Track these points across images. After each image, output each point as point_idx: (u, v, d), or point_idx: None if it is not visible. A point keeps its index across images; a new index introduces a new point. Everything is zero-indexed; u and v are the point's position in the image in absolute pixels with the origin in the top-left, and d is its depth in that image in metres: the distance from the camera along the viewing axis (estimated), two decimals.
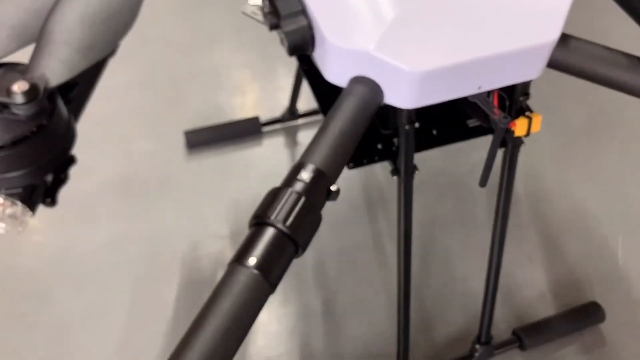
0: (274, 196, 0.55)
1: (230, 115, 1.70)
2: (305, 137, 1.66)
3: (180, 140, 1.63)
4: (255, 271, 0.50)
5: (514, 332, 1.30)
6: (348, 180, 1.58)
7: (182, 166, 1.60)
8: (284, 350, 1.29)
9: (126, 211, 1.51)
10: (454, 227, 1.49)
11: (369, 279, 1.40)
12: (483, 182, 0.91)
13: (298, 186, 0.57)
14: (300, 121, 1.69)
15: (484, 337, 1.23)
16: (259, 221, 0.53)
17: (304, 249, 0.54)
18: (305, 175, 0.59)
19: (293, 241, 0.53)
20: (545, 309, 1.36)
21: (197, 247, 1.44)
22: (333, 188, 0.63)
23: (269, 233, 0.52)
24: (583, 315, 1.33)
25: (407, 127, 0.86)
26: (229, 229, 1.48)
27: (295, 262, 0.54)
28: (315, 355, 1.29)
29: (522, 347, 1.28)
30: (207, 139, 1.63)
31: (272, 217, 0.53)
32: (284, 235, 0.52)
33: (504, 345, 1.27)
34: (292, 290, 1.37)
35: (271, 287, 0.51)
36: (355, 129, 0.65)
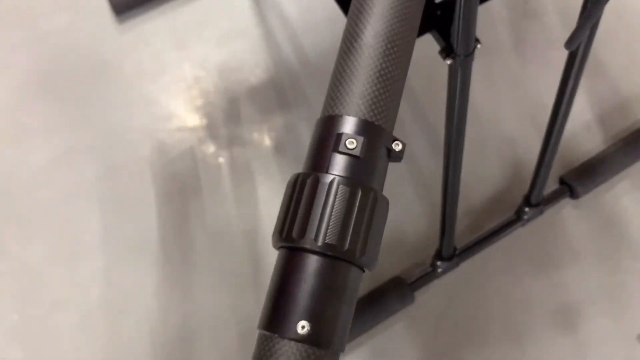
0: (309, 193, 0.37)
1: None
2: None
3: (104, 6, 1.23)
4: (306, 346, 0.34)
5: (562, 181, 1.11)
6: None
7: (115, 40, 1.23)
8: None
9: (61, 118, 1.17)
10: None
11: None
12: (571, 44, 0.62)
13: (341, 165, 0.38)
14: None
15: (535, 198, 1.03)
16: (294, 246, 0.36)
17: (370, 267, 0.38)
18: (350, 141, 0.39)
19: (354, 265, 0.36)
20: (592, 144, 1.15)
21: (164, 148, 1.15)
22: (397, 146, 0.41)
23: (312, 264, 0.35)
24: (634, 145, 1.13)
25: None
26: (200, 114, 1.17)
27: None
28: None
29: (573, 195, 1.10)
30: None
31: (312, 238, 0.36)
32: (337, 260, 0.35)
33: (553, 198, 1.09)
34: None
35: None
36: (407, 33, 0.42)
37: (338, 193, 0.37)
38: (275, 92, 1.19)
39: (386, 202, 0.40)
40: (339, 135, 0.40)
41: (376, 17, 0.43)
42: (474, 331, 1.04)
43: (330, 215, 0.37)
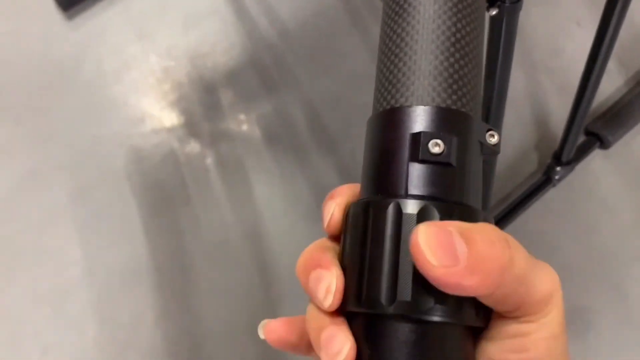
0: (392, 234, 0.25)
1: None
2: None
3: (48, 2, 1.07)
4: None
5: (589, 132, 1.00)
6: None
7: (66, 40, 1.07)
8: None
9: (18, 137, 1.02)
10: None
11: None
12: None
13: (426, 181, 0.26)
14: None
15: (566, 156, 0.93)
16: (383, 313, 0.25)
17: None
18: (435, 142, 0.27)
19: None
20: (612, 86, 1.05)
21: (141, 155, 1.01)
22: (491, 138, 0.29)
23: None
24: None
25: None
26: (176, 111, 1.03)
27: None
28: None
29: (602, 145, 1.00)
30: None
31: (408, 301, 0.24)
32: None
33: (582, 151, 0.98)
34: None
35: None
36: None
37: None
38: (257, 74, 1.05)
39: (492, 221, 0.28)
40: (416, 137, 0.27)
41: None
42: None
43: None
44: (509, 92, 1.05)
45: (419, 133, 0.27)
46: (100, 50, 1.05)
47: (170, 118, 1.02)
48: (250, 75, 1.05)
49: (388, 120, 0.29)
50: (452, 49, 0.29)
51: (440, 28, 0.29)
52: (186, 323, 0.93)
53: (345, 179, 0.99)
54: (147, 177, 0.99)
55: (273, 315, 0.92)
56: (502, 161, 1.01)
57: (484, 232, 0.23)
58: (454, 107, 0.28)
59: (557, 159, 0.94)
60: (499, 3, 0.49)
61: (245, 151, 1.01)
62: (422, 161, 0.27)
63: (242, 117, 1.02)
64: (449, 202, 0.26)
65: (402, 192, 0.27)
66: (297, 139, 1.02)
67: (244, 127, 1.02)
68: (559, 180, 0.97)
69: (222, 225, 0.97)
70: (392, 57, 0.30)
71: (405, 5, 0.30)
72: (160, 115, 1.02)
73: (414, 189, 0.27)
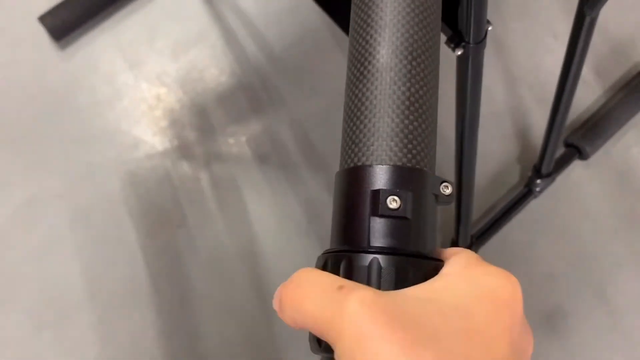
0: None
1: None
2: None
3: (40, 32, 1.10)
4: None
5: (568, 143, 1.04)
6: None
7: (60, 70, 1.10)
8: None
9: (14, 166, 1.05)
10: None
11: None
12: None
13: (384, 233, 0.30)
14: None
15: (546, 168, 0.96)
16: None
17: None
18: (392, 199, 0.30)
19: None
20: (590, 98, 1.08)
21: (136, 180, 1.04)
22: (446, 189, 0.33)
23: None
24: (636, 93, 1.06)
25: None
26: (168, 135, 1.06)
27: None
28: None
29: (582, 156, 1.03)
30: (76, 16, 1.09)
31: None
32: None
33: (562, 163, 1.02)
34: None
35: None
36: (432, 40, 0.34)
37: (382, 278, 0.29)
38: (246, 97, 1.08)
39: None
40: (375, 193, 0.30)
41: (389, 27, 0.34)
42: None
43: None
44: (491, 107, 1.09)
45: (378, 190, 0.30)
46: (93, 79, 1.08)
47: (163, 143, 1.06)
48: (239, 98, 1.08)
49: (352, 177, 0.32)
50: (406, 112, 0.32)
51: (396, 93, 0.32)
52: (185, 342, 0.96)
53: None
54: (142, 201, 1.02)
55: (269, 330, 0.95)
56: (484, 174, 1.04)
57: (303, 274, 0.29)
58: (409, 164, 0.31)
59: (538, 171, 0.98)
60: (463, 44, 0.52)
61: (237, 171, 1.04)
62: (381, 215, 0.30)
63: (232, 138, 1.06)
64: (404, 253, 0.30)
65: (365, 243, 0.30)
66: (287, 158, 1.05)
67: (235, 148, 1.05)
68: (540, 191, 1.00)
69: (218, 244, 1.00)
70: (354, 119, 0.33)
71: (365, 72, 0.34)
72: (153, 140, 1.05)
73: (375, 241, 0.30)
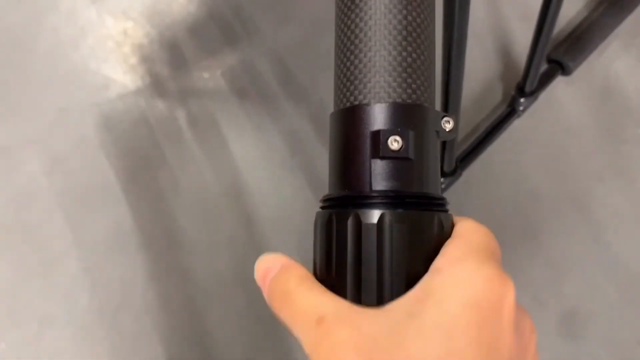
0: (353, 244, 0.28)
1: None
2: None
3: None
4: None
5: (550, 60, 1.02)
6: None
7: (17, 9, 1.03)
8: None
9: None
10: None
11: None
12: None
13: (387, 176, 0.29)
14: None
15: (529, 86, 0.95)
16: None
17: None
18: (394, 139, 0.29)
19: None
20: (572, 11, 1.06)
21: (111, 123, 1.00)
22: (447, 124, 0.31)
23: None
24: (619, 4, 1.03)
25: None
26: (140, 73, 1.01)
27: None
28: None
29: (564, 72, 1.02)
30: None
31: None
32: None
33: (545, 80, 1.00)
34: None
35: None
36: None
37: (394, 237, 0.27)
38: (219, 28, 1.03)
39: (450, 219, 0.30)
40: (375, 134, 0.29)
41: None
42: None
43: (391, 269, 0.27)
44: (472, 27, 1.06)
45: (378, 131, 0.29)
46: (53, 17, 1.02)
47: (134, 81, 1.01)
48: (211, 29, 1.03)
49: (349, 118, 0.30)
50: (404, 43, 0.30)
51: (392, 23, 0.30)
52: (175, 281, 0.96)
53: (316, 126, 1.00)
54: (120, 143, 0.99)
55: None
56: (467, 95, 1.03)
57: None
58: (409, 100, 0.29)
59: (521, 89, 0.96)
60: None
61: (215, 107, 1.01)
62: (382, 157, 0.29)
63: (207, 72, 1.02)
64: (408, 197, 0.28)
65: (367, 188, 0.29)
66: (265, 90, 1.02)
67: (211, 82, 1.02)
68: (524, 110, 1.00)
69: (201, 182, 0.99)
70: (348, 54, 0.31)
71: (357, 1, 0.31)
72: (124, 79, 1.01)
73: (377, 185, 0.29)
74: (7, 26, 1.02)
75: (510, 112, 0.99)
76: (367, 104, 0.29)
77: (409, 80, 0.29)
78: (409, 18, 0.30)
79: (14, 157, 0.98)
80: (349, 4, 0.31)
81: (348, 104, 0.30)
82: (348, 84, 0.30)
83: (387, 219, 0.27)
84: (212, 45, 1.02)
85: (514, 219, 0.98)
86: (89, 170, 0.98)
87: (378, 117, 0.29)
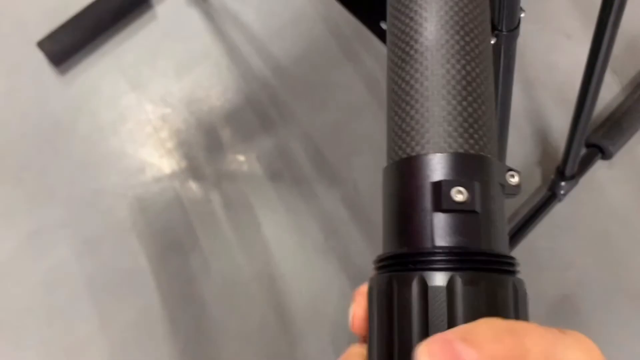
0: (419, 308, 0.24)
1: None
2: None
3: (39, 57, 1.07)
4: None
5: (589, 143, 1.00)
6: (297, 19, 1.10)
7: (61, 96, 1.07)
8: None
9: (18, 198, 1.01)
10: None
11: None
12: None
13: (452, 231, 0.26)
14: None
15: (569, 170, 0.92)
16: None
17: None
18: (458, 190, 0.26)
19: None
20: (609, 95, 1.05)
21: (145, 205, 1.00)
22: (512, 179, 0.29)
23: None
24: None
25: None
26: (176, 157, 1.02)
27: None
28: None
29: (605, 156, 1.00)
30: (76, 40, 1.07)
31: None
32: None
33: (585, 164, 0.98)
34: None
35: None
36: (481, 16, 0.30)
37: (466, 302, 0.24)
38: (255, 114, 1.05)
39: (523, 284, 0.27)
40: (437, 185, 0.27)
41: (434, 3, 0.30)
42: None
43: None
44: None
45: (439, 181, 0.27)
46: (95, 103, 1.05)
47: (170, 164, 1.02)
48: (247, 115, 1.05)
49: (406, 169, 0.28)
50: (464, 92, 0.28)
51: (450, 72, 0.29)
52: None
53: (351, 210, 0.99)
54: (152, 226, 0.98)
55: (291, 355, 0.90)
56: None
57: (487, 329, 0.22)
58: (471, 151, 0.27)
59: (561, 173, 0.94)
60: (496, 32, 0.49)
61: (250, 190, 1.00)
62: (446, 210, 0.26)
63: (242, 156, 1.02)
64: (477, 255, 0.26)
65: (429, 244, 0.26)
66: (299, 174, 1.01)
67: (246, 166, 1.02)
68: (565, 194, 0.97)
69: (232, 267, 0.96)
70: (403, 105, 0.29)
71: (412, 52, 0.30)
72: (160, 162, 1.02)
73: (440, 240, 0.26)
74: (50, 109, 1.05)
75: (551, 197, 0.96)
76: (426, 154, 0.27)
77: (470, 130, 0.28)
78: (468, 68, 0.29)
79: (44, 241, 0.98)
80: (402, 55, 0.30)
81: (404, 155, 0.28)
82: (404, 135, 0.29)
83: (457, 281, 0.24)
84: (248, 130, 1.03)
85: (561, 309, 0.93)
86: (120, 253, 0.96)
87: (439, 167, 0.27)
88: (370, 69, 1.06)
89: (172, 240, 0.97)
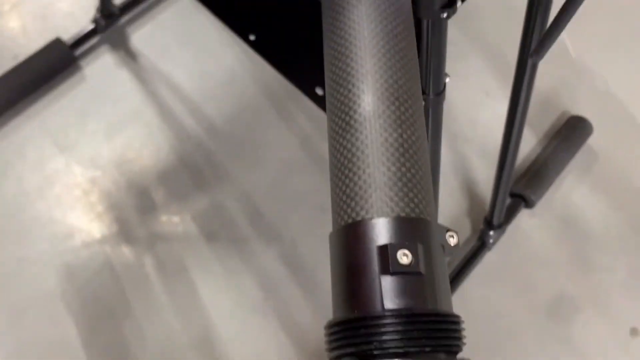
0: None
1: (13, 50, 1.09)
2: (141, 39, 1.13)
3: None
4: None
5: (513, 194, 1.05)
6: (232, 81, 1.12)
7: None
8: None
9: None
10: None
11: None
12: None
13: (400, 293, 0.27)
14: (125, 18, 1.14)
15: (497, 219, 0.97)
16: None
17: None
18: (403, 253, 0.27)
19: None
20: (527, 147, 1.12)
21: (73, 272, 0.95)
22: (451, 239, 0.31)
23: None
24: (572, 136, 1.10)
25: (442, 14, 0.45)
26: (106, 220, 0.99)
27: None
28: None
29: (527, 205, 1.05)
30: (0, 102, 1.03)
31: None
32: None
33: (510, 213, 1.03)
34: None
35: None
36: (414, 83, 0.33)
37: None
38: (189, 173, 1.04)
39: None
40: (383, 249, 0.28)
41: (371, 74, 0.32)
42: None
43: None
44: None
45: (385, 245, 0.28)
46: (19, 167, 1.01)
47: (100, 229, 0.99)
48: (181, 175, 1.04)
49: (352, 234, 0.29)
50: (402, 159, 0.30)
51: (388, 140, 0.30)
52: None
53: (289, 267, 0.98)
54: (82, 294, 0.94)
55: None
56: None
57: None
58: (412, 214, 0.29)
59: (489, 223, 0.98)
60: (423, 96, 0.52)
61: (185, 252, 0.98)
62: (393, 273, 0.27)
63: (177, 217, 1.00)
64: (424, 317, 0.27)
65: (379, 307, 0.27)
66: (236, 233, 1.00)
67: (181, 227, 1.00)
68: (494, 243, 1.01)
69: (169, 333, 0.93)
70: (347, 172, 0.30)
71: (352, 122, 0.31)
72: (90, 227, 0.98)
73: (389, 303, 0.27)
74: None
75: (481, 246, 1.00)
76: (370, 218, 0.28)
77: (411, 194, 0.29)
78: (404, 136, 0.30)
79: None
80: (342, 124, 0.32)
81: (350, 220, 0.29)
82: (348, 200, 0.30)
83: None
84: (182, 190, 1.02)
85: (491, 351, 0.95)
86: (48, 324, 0.91)
87: (383, 231, 0.28)
88: (304, 126, 1.08)
89: (104, 307, 0.93)
